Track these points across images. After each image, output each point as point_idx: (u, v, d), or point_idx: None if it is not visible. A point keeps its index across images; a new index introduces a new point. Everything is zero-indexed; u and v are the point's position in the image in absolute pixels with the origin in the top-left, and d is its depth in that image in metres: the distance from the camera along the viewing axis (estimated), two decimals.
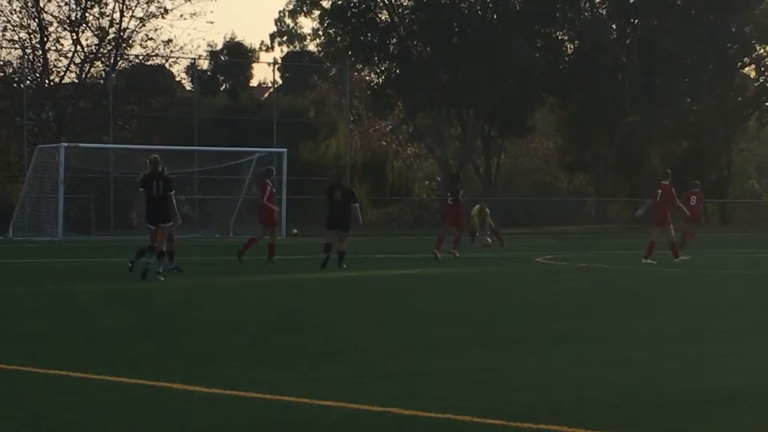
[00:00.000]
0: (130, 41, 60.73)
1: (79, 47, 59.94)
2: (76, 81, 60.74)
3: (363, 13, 69.81)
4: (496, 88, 67.27)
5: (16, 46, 58.98)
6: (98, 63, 60.69)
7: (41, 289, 19.82)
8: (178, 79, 71.19)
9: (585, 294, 19.91)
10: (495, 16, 69.70)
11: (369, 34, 70.42)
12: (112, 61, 60.29)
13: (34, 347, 11.98)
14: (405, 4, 70.60)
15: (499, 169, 74.94)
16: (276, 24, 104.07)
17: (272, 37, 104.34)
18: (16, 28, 58.90)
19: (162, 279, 21.49)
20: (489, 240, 39.28)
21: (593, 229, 63.83)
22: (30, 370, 10.15)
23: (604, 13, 74.82)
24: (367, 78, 74.37)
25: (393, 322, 14.78)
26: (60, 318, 15.38)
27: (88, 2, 59.51)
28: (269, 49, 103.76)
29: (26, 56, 58.36)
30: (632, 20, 74.14)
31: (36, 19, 59.06)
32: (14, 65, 59.01)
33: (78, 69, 60.33)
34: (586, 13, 74.02)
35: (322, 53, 78.91)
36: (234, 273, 23.65)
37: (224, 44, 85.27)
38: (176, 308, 17.01)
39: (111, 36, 60.06)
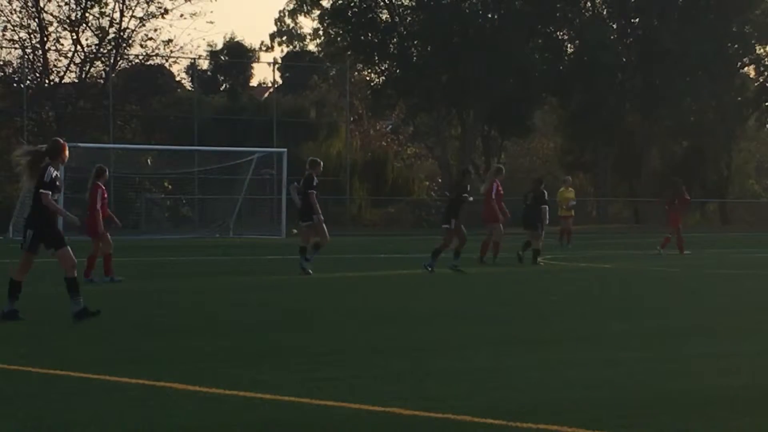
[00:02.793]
0: (130, 41, 60.67)
1: (79, 47, 59.90)
2: (76, 81, 60.65)
3: (363, 12, 69.71)
4: (496, 88, 67.22)
5: (16, 46, 58.92)
6: (98, 63, 60.63)
7: (41, 289, 19.78)
8: (178, 79, 71.08)
9: (585, 294, 19.89)
10: (495, 16, 69.67)
11: (369, 34, 70.31)
12: (112, 61, 60.23)
13: (34, 347, 11.98)
14: (405, 4, 70.51)
15: None
16: (276, 24, 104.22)
17: (272, 37, 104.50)
18: (16, 28, 58.84)
19: (310, 273, 22.41)
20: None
21: (593, 229, 63.79)
22: (30, 370, 10.15)
23: (604, 12, 74.78)
24: (367, 78, 74.32)
25: (393, 322, 14.77)
26: (60, 318, 15.37)
27: (88, 2, 59.44)
28: (269, 49, 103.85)
29: (26, 56, 58.31)
30: (632, 20, 74.11)
31: (36, 19, 59.00)
32: (14, 65, 58.95)
33: (78, 69, 60.26)
34: (586, 13, 73.97)
35: (322, 53, 78.80)
36: (234, 273, 23.63)
37: (224, 44, 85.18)
38: (176, 308, 17.01)
39: (111, 36, 60.00)
